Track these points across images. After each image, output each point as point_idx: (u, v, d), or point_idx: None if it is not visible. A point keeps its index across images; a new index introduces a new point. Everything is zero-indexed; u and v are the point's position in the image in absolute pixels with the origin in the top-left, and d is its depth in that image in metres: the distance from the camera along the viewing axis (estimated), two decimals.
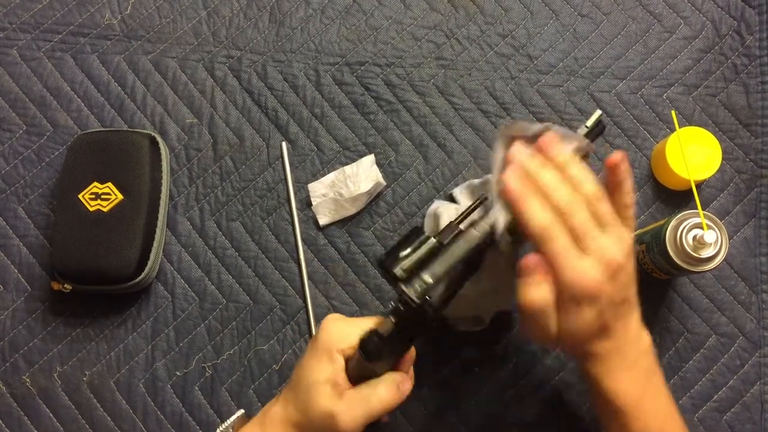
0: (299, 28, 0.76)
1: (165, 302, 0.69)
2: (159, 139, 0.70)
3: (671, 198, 0.71)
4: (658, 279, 0.66)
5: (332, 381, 0.48)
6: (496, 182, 0.47)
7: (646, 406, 0.48)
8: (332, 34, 0.76)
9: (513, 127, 0.48)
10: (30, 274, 0.69)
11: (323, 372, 0.48)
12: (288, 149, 0.72)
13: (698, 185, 0.70)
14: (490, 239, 0.48)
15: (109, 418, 0.66)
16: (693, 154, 0.67)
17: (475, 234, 0.48)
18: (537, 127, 0.48)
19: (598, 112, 0.51)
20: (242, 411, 0.56)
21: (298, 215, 0.71)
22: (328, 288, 0.69)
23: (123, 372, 0.67)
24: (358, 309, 0.69)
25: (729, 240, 0.61)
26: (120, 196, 0.66)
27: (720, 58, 0.74)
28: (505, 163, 0.47)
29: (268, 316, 0.68)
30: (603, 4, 0.76)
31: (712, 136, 0.67)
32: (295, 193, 0.71)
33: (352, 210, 0.70)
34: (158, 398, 0.66)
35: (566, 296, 0.44)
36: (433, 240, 0.47)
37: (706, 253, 0.58)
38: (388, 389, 0.48)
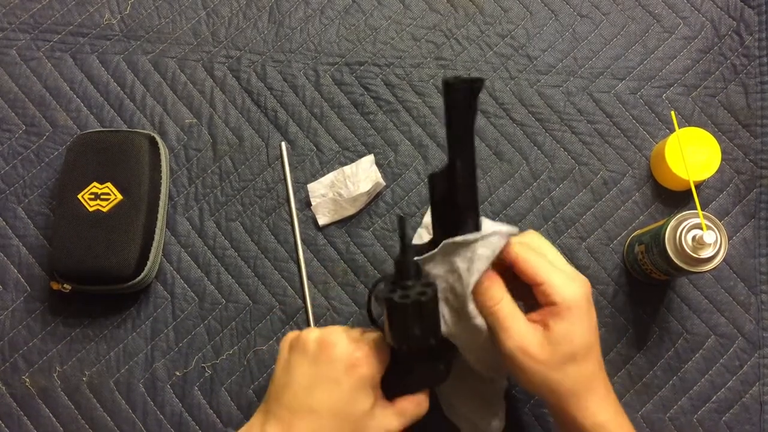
0: (298, 28, 0.76)
1: (164, 302, 0.69)
2: (158, 139, 0.70)
3: (670, 198, 0.71)
4: (657, 280, 0.66)
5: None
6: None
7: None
8: (331, 34, 0.76)
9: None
10: (29, 274, 0.70)
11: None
12: (287, 149, 0.72)
13: (697, 186, 0.70)
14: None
15: (108, 418, 0.66)
16: (692, 154, 0.67)
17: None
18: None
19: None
20: None
21: (298, 215, 0.71)
22: (327, 288, 0.69)
23: (122, 372, 0.67)
24: (358, 309, 0.69)
25: (728, 240, 0.61)
26: (119, 196, 0.66)
27: (719, 59, 0.74)
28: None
29: (268, 317, 0.68)
30: (602, 4, 0.76)
31: (712, 137, 0.67)
32: (294, 194, 0.71)
33: (351, 210, 0.70)
34: (158, 398, 0.66)
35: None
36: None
37: (705, 254, 0.58)
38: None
